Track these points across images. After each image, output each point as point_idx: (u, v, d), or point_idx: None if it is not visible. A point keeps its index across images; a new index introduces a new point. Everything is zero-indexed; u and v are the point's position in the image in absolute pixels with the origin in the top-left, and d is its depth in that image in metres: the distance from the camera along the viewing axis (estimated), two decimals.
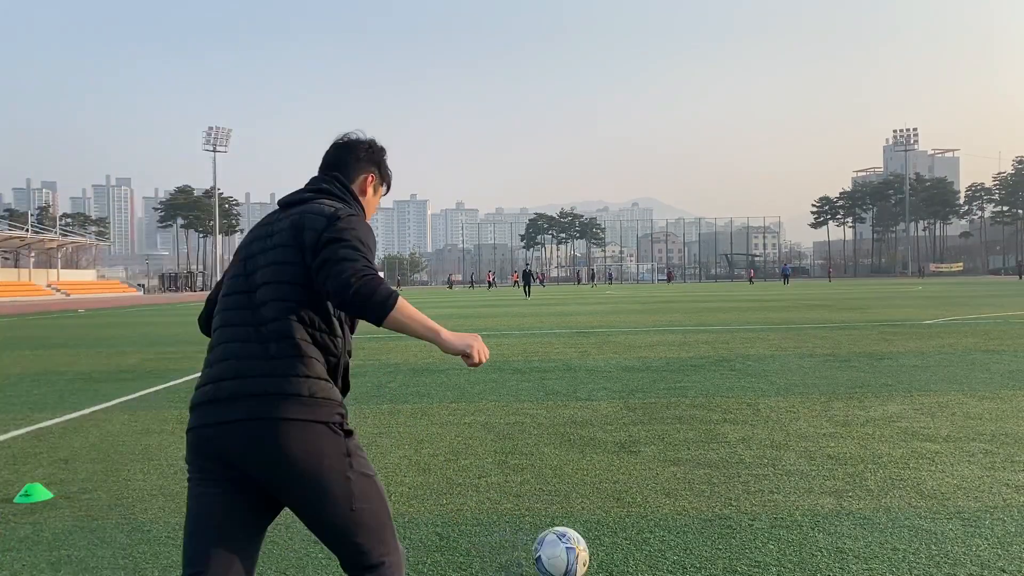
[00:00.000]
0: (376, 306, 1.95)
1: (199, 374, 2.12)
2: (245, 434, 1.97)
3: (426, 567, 3.30)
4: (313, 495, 2.01)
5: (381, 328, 2.01)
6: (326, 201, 2.22)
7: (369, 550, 2.08)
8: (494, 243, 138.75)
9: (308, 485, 2.00)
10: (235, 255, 2.28)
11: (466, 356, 2.11)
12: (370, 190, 2.40)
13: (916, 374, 8.60)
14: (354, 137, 2.41)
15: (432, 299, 43.82)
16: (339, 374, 2.15)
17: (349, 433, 2.10)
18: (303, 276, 2.08)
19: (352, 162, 2.36)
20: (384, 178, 2.44)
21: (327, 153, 2.41)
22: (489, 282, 79.10)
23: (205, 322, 2.38)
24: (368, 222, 2.31)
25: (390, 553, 2.11)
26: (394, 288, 2.01)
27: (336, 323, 2.15)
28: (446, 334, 2.07)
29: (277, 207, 2.30)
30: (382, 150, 2.45)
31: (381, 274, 2.04)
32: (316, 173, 2.39)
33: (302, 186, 2.34)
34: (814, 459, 4.95)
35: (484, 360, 2.15)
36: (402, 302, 1.98)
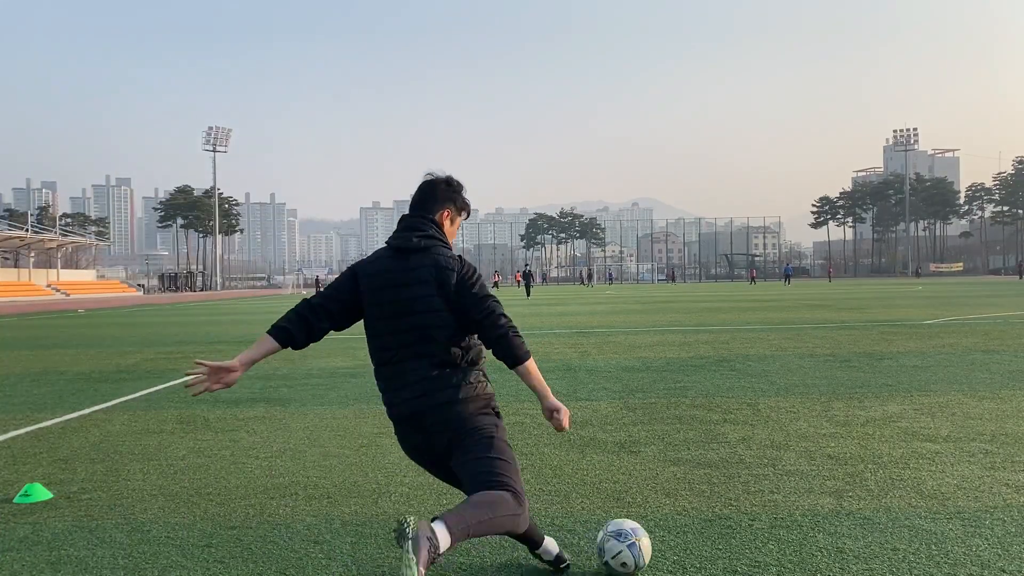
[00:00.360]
0: (519, 351, 2.88)
1: None
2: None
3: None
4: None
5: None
6: (441, 249, 2.92)
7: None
8: (494, 243, 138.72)
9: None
10: (373, 294, 2.92)
11: (558, 416, 2.88)
12: (447, 222, 3.03)
13: (916, 374, 8.60)
14: (433, 177, 3.04)
15: None
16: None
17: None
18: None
19: (430, 201, 3.01)
20: (460, 211, 3.09)
21: (415, 193, 3.05)
22: (495, 283, 79.22)
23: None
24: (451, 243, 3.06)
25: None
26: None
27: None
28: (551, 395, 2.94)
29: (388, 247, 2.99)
30: (458, 186, 3.07)
31: None
32: (407, 211, 3.05)
33: (401, 226, 2.99)
34: (814, 459, 4.95)
35: (567, 428, 2.92)
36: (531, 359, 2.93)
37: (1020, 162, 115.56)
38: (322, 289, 3.11)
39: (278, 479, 4.77)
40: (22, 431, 6.48)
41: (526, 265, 61.70)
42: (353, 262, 3.23)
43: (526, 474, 4.74)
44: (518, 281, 62.52)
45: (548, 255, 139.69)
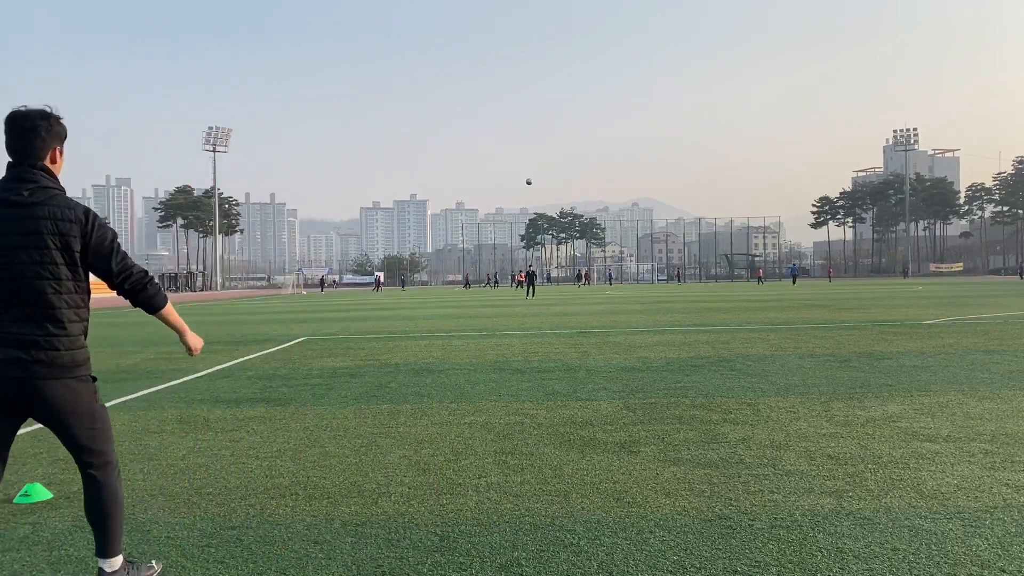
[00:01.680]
0: (157, 299, 3.17)
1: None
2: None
3: (426, 567, 3.30)
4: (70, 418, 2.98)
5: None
6: (60, 195, 2.91)
7: (99, 454, 3.03)
8: (494, 243, 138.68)
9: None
10: None
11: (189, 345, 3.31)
12: (60, 160, 2.97)
13: (916, 374, 8.60)
14: (36, 115, 2.90)
15: (433, 299, 43.83)
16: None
17: (94, 379, 3.01)
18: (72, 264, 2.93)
19: (37, 139, 2.89)
20: (62, 140, 2.98)
21: (9, 135, 2.88)
22: (494, 281, 79.59)
23: None
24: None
25: (110, 457, 3.08)
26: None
27: None
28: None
29: None
30: (57, 116, 2.95)
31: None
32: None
33: (8, 177, 2.86)
34: (814, 459, 4.95)
35: (195, 349, 3.43)
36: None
37: (1020, 162, 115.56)
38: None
39: (278, 479, 4.77)
40: (22, 431, 6.48)
41: (529, 265, 61.70)
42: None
43: (526, 474, 4.75)
44: (519, 282, 62.41)
45: (548, 255, 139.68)
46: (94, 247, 2.91)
